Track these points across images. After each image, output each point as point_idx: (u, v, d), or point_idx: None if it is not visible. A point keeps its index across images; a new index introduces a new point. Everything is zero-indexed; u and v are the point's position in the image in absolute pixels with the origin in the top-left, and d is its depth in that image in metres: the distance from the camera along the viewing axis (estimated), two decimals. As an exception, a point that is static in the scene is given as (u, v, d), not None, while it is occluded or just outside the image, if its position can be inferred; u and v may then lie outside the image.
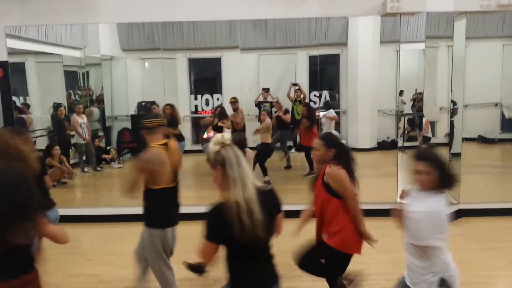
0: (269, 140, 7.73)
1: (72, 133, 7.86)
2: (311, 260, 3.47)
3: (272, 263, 2.36)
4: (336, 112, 9.43)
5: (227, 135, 2.29)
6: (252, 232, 2.11)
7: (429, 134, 6.72)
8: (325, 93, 9.73)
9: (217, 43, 9.05)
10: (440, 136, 6.66)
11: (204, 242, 2.18)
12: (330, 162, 3.25)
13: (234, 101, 8.01)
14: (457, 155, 6.45)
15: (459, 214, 6.14)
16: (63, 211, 6.44)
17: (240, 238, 2.10)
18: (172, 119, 7.54)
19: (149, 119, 3.59)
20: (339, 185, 3.21)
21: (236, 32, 8.74)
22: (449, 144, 6.39)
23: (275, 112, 8.50)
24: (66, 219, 6.17)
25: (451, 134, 6.43)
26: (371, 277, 4.08)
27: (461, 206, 6.19)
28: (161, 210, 3.57)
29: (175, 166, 3.61)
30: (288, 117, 8.04)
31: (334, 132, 8.42)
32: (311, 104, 9.13)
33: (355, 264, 4.09)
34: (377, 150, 8.85)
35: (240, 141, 4.25)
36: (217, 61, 9.68)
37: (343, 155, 3.27)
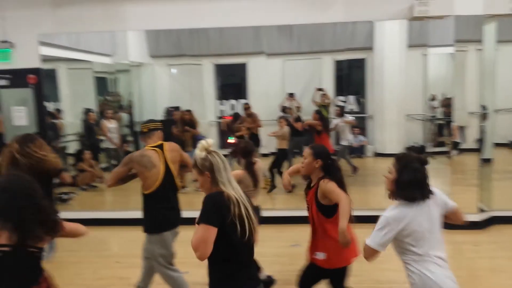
0: (285, 146, 7.71)
1: (102, 137, 8.03)
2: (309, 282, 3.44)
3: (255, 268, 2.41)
4: (361, 117, 9.38)
5: (211, 140, 2.35)
6: (249, 226, 2.19)
7: (458, 140, 6.59)
8: (351, 98, 9.68)
9: (242, 49, 9.11)
10: (470, 141, 6.53)
11: (203, 228, 2.14)
12: (323, 177, 3.17)
13: (247, 107, 8.11)
14: (488, 161, 6.31)
15: (491, 221, 6.00)
16: (93, 214, 6.62)
17: (241, 231, 2.16)
18: (191, 123, 8.00)
19: (143, 124, 3.74)
20: (330, 195, 3.10)
21: (262, 38, 8.80)
22: (479, 150, 6.26)
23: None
24: (97, 222, 6.33)
25: (481, 140, 6.30)
26: (402, 284, 4.02)
27: (492, 213, 6.04)
28: (155, 214, 3.61)
29: (174, 165, 3.64)
30: (299, 124, 7.99)
31: (351, 137, 8.36)
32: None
33: (384, 272, 4.05)
34: (404, 156, 8.71)
35: (245, 149, 4.22)
36: (242, 67, 9.75)
37: (330, 169, 3.19)
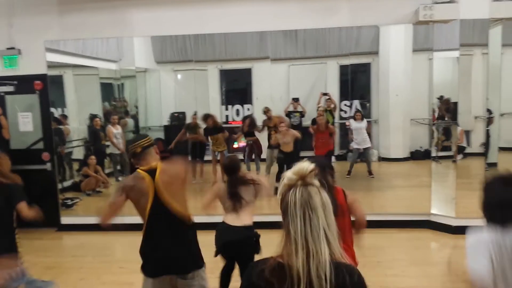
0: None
1: (108, 143, 8.06)
2: None
3: None
4: (366, 122, 9.36)
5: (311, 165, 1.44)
6: None
7: (464, 144, 6.56)
8: (356, 102, 9.66)
9: (248, 54, 9.14)
10: (475, 145, 6.49)
11: None
12: None
13: (267, 110, 8.22)
14: (494, 165, 6.27)
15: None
16: (98, 220, 6.64)
17: None
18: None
19: (133, 143, 3.01)
20: None
21: (267, 43, 8.80)
22: (485, 154, 6.22)
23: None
24: (101, 228, 6.34)
25: (487, 144, 6.26)
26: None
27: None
28: (141, 251, 3.01)
29: (170, 193, 2.87)
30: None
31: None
32: (342, 113, 9.10)
33: (388, 278, 4.02)
34: (409, 160, 8.69)
35: (230, 165, 3.85)
36: (247, 72, 9.77)
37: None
